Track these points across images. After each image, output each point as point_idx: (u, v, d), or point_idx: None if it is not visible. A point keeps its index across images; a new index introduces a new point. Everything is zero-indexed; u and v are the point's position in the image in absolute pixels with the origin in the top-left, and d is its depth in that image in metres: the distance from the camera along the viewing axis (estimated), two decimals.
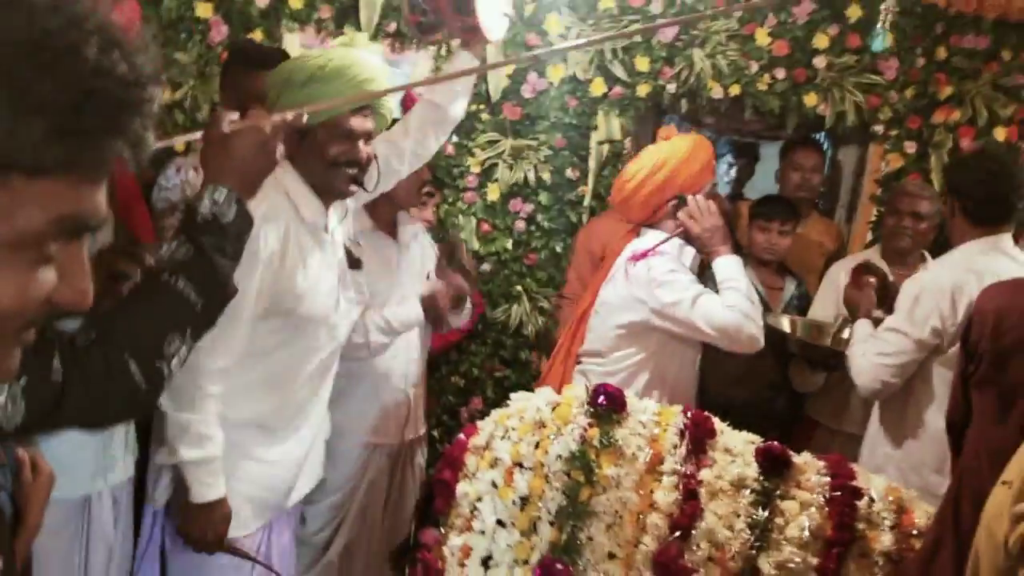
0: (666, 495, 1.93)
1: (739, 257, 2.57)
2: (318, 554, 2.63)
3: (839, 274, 3.22)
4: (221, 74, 2.82)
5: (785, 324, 3.09)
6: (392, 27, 3.38)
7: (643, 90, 3.53)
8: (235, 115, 1.55)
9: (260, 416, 2.02)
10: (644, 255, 2.53)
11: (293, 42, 3.28)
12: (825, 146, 3.84)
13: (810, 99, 3.54)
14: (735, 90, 3.53)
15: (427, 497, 2.14)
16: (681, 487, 1.94)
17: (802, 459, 2.02)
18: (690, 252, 2.58)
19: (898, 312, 2.59)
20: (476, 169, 3.56)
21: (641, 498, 1.95)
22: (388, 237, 2.70)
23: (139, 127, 0.61)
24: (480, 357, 3.67)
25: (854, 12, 3.48)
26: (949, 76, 3.56)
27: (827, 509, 1.90)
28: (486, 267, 3.59)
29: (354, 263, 2.18)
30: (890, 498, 1.94)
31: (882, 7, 2.76)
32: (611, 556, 1.93)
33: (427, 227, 3.04)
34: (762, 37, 3.49)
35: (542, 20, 3.44)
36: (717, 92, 3.52)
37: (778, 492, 1.93)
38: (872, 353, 2.59)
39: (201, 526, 1.92)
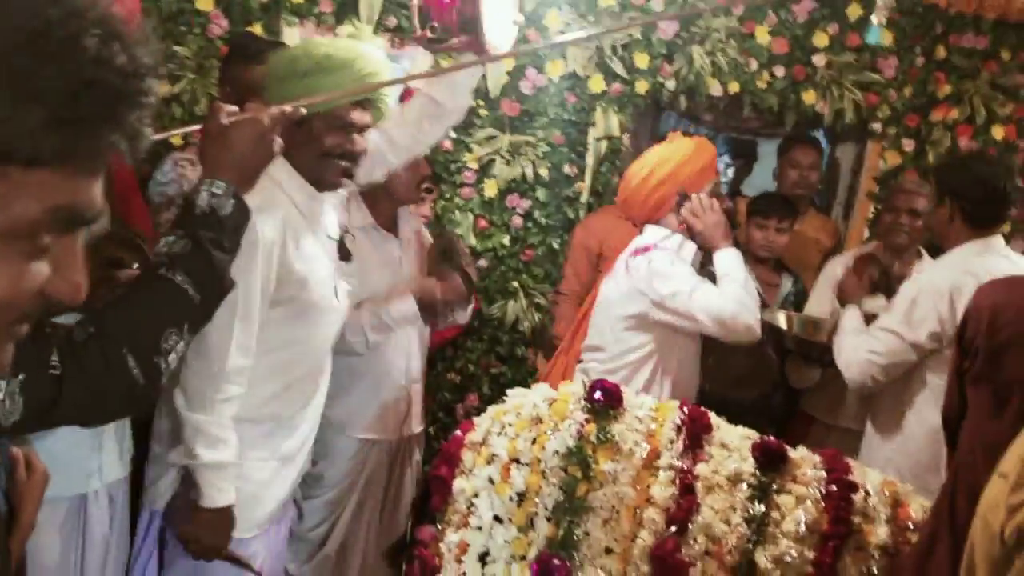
0: (663, 490, 1.94)
1: (739, 251, 2.59)
2: (314, 549, 2.63)
3: (835, 270, 3.22)
4: (220, 68, 2.82)
5: (781, 320, 3.09)
6: (392, 22, 3.38)
7: (642, 87, 3.53)
8: (233, 108, 1.55)
9: (267, 411, 2.00)
10: (646, 250, 2.55)
11: (293, 36, 3.28)
12: (823, 144, 3.84)
13: (809, 97, 3.54)
14: (734, 87, 3.53)
15: (424, 493, 2.14)
16: (678, 482, 1.95)
17: (798, 454, 2.03)
18: (690, 248, 2.60)
19: (894, 313, 2.60)
20: (474, 165, 3.56)
21: (638, 493, 1.96)
22: (389, 233, 2.70)
23: (136, 119, 0.61)
24: (476, 353, 3.67)
25: (854, 11, 3.49)
26: (948, 75, 3.57)
27: (823, 503, 1.91)
28: (483, 263, 3.59)
29: (344, 255, 2.17)
30: (886, 492, 1.95)
31: (879, 1, 2.77)
32: (608, 551, 1.93)
33: (425, 223, 3.05)
34: (762, 35, 3.50)
35: (542, 16, 3.44)
36: (716, 89, 3.52)
37: (774, 486, 1.94)
38: (864, 349, 2.61)
39: (206, 531, 1.89)
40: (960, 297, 2.43)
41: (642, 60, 3.50)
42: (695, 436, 2.03)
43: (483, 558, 1.99)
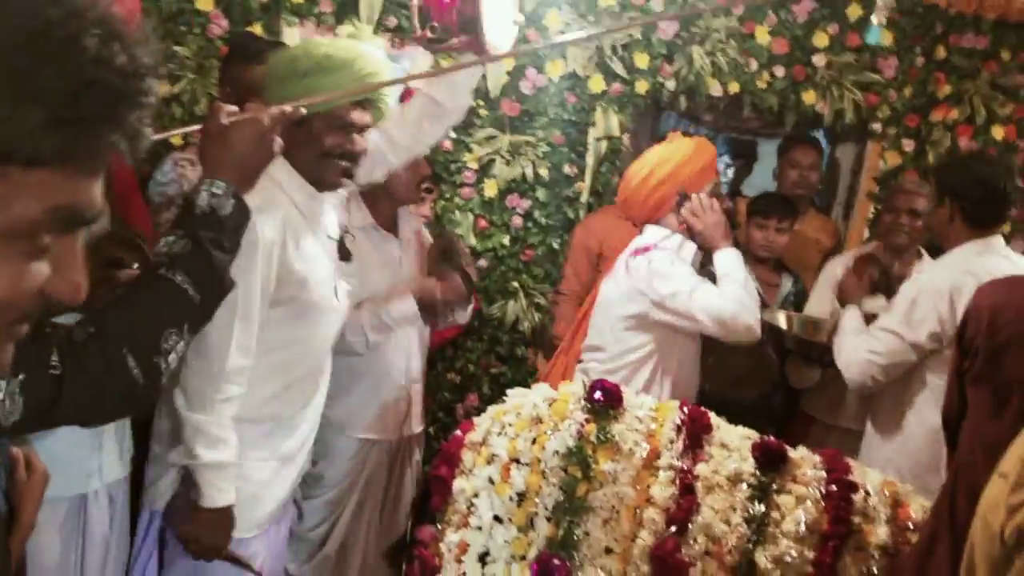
0: (663, 490, 1.94)
1: (739, 251, 2.59)
2: (314, 549, 2.63)
3: (835, 270, 3.22)
4: (220, 68, 2.82)
5: (782, 320, 3.10)
6: (392, 22, 3.38)
7: (642, 87, 3.53)
8: (233, 108, 1.55)
9: (267, 411, 2.00)
10: (646, 250, 2.55)
11: (293, 36, 3.27)
12: (823, 144, 3.84)
13: (809, 97, 3.54)
14: (734, 88, 3.53)
15: (424, 493, 2.14)
16: (678, 482, 1.95)
17: (798, 454, 2.03)
18: (690, 248, 2.60)
19: (894, 313, 2.60)
20: (474, 165, 3.56)
21: (638, 493, 1.96)
22: (389, 233, 2.70)
23: (136, 119, 0.61)
24: (476, 353, 3.67)
25: (854, 11, 3.49)
26: (948, 75, 3.57)
27: (823, 503, 1.91)
28: (483, 263, 3.59)
29: (344, 255, 2.17)
30: (886, 492, 1.95)
31: (879, 1, 2.78)
32: (608, 551, 1.93)
33: (425, 223, 3.04)
34: (762, 35, 3.50)
35: (542, 16, 3.44)
36: (716, 89, 3.52)
37: (774, 486, 1.94)
38: (864, 349, 2.61)
39: (206, 531, 1.88)
40: (960, 297, 2.43)
41: (642, 60, 3.50)
42: (695, 436, 2.03)
43: (483, 558, 1.98)
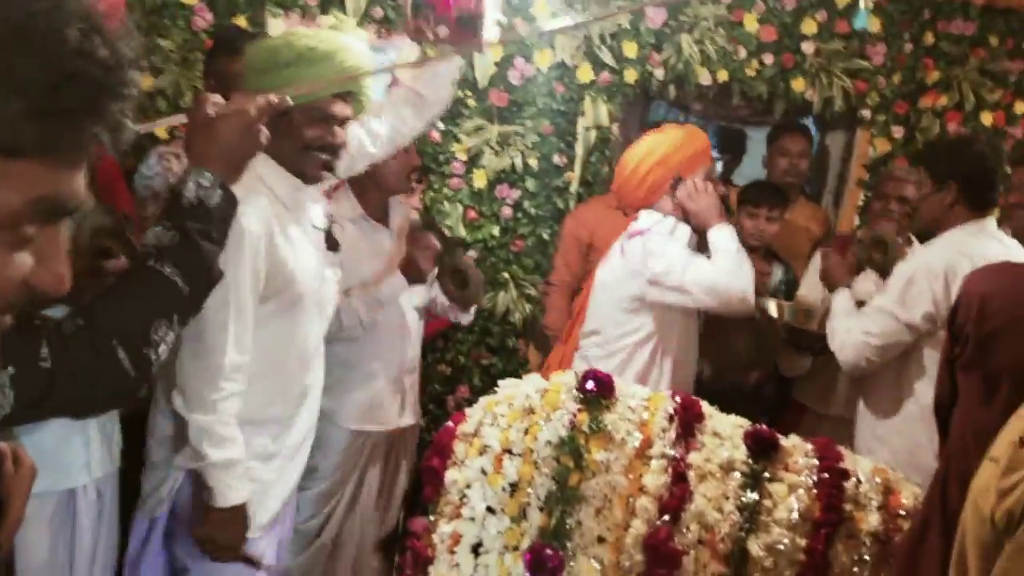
0: (655, 479, 1.94)
1: (732, 227, 2.62)
2: (308, 541, 2.63)
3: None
4: (205, 61, 2.80)
5: (773, 308, 3.10)
6: (379, 13, 3.36)
7: (631, 76, 3.52)
8: (220, 98, 1.54)
9: (266, 411, 1.98)
10: (640, 233, 2.58)
11: (278, 28, 3.25)
12: (812, 131, 3.84)
13: (798, 84, 3.54)
14: (723, 76, 3.52)
15: (416, 485, 2.14)
16: (670, 471, 1.95)
17: (790, 442, 2.04)
18: (684, 231, 2.62)
19: (889, 293, 2.60)
20: (462, 155, 3.54)
21: (630, 482, 1.96)
22: (379, 223, 2.69)
23: (118, 111, 0.62)
24: (466, 345, 3.66)
25: None
26: (936, 61, 3.57)
27: (815, 491, 1.92)
28: (473, 254, 3.58)
29: (332, 245, 2.15)
30: (877, 479, 1.96)
31: None
32: (601, 540, 1.94)
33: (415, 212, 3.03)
34: (750, 23, 3.49)
35: (530, 4, 3.42)
36: (705, 78, 3.51)
37: (767, 474, 1.95)
38: (858, 331, 2.60)
39: (221, 531, 1.87)
40: (955, 278, 2.43)
41: (631, 49, 3.49)
42: (687, 425, 2.03)
43: (476, 549, 1.99)
